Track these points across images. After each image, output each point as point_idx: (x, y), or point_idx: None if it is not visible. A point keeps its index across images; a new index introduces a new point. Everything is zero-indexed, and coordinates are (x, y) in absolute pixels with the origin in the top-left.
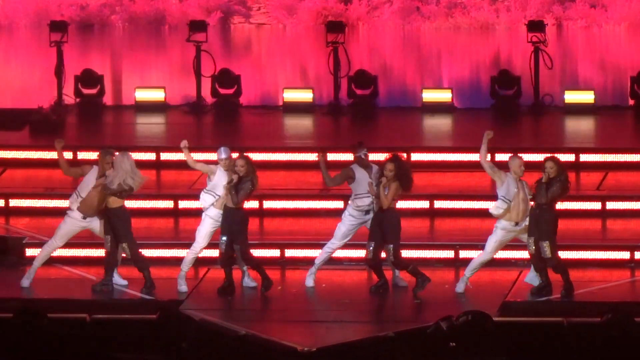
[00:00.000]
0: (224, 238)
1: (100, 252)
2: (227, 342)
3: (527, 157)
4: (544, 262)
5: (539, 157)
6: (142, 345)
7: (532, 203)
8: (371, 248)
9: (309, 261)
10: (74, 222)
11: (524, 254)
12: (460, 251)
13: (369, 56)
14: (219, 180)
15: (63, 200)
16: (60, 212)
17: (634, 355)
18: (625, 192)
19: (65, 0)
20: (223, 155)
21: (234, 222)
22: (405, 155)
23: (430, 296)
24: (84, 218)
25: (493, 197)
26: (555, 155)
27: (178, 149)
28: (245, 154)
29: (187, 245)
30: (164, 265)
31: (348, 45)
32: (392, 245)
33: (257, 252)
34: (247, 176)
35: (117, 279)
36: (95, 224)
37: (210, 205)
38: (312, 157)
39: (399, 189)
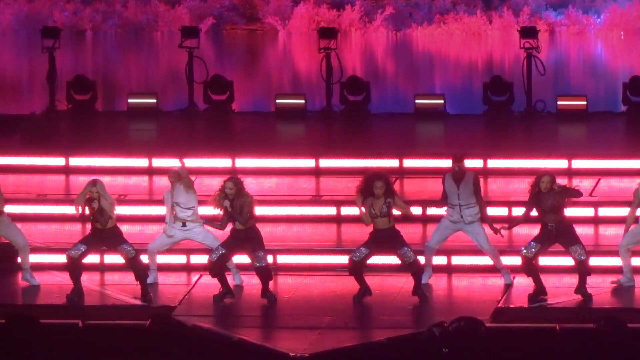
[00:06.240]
0: (223, 251)
1: (93, 258)
2: (219, 348)
3: (519, 163)
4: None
5: (531, 163)
6: (134, 351)
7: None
8: (359, 253)
9: (302, 267)
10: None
11: (516, 260)
12: (452, 257)
13: (362, 62)
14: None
15: (55, 206)
16: (52, 218)
17: None
18: (617, 198)
19: (57, 5)
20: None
21: (253, 239)
22: (398, 161)
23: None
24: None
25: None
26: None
27: (170, 155)
28: (235, 177)
29: (180, 251)
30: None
31: (340, 51)
32: (408, 248)
33: (249, 259)
34: (241, 196)
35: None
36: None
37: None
38: (304, 163)
39: (397, 199)
